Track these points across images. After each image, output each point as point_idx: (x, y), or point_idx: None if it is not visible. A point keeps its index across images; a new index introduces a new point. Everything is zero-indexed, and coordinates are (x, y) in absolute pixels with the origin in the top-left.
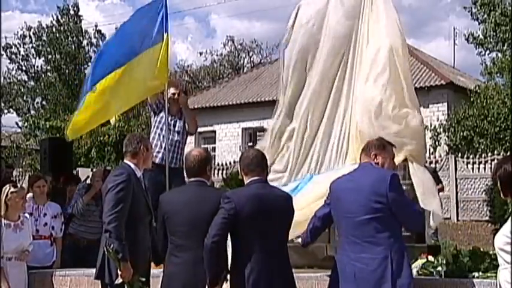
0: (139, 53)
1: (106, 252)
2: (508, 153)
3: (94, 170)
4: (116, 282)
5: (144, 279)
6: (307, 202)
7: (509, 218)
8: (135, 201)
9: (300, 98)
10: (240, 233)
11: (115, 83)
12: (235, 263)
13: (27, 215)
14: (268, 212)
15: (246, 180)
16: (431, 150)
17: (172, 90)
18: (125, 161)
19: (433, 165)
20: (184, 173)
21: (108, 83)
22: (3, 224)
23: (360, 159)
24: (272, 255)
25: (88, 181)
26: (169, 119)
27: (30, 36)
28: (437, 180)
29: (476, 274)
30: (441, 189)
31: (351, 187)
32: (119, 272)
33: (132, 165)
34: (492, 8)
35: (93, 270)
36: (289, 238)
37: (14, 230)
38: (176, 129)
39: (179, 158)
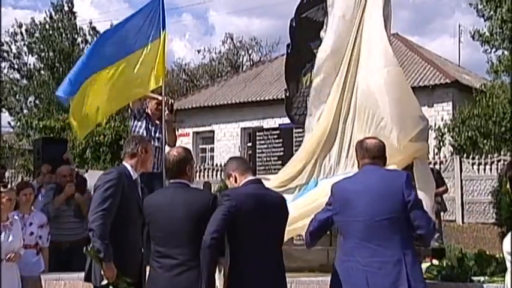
0: (134, 51)
1: (85, 252)
2: None
3: (58, 168)
4: (102, 283)
5: (129, 280)
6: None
7: None
8: (126, 202)
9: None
10: (239, 232)
11: (108, 81)
12: (231, 262)
13: (16, 217)
14: (266, 211)
15: (242, 181)
16: (436, 150)
17: (154, 102)
18: (123, 162)
19: (437, 166)
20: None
21: (101, 79)
22: None
23: (359, 163)
24: (269, 254)
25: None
26: (150, 124)
27: (22, 34)
28: (441, 182)
29: (482, 278)
30: (445, 191)
31: (360, 189)
32: (103, 273)
33: (129, 167)
34: (498, 5)
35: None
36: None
37: (2, 230)
38: (156, 135)
39: (159, 163)
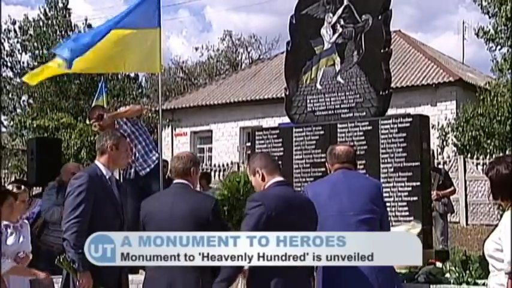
0: (131, 27)
1: (57, 263)
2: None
3: (65, 165)
4: None
5: None
6: None
7: (499, 224)
8: (100, 204)
9: None
10: None
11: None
12: (254, 272)
13: (25, 220)
14: (296, 214)
15: (269, 180)
16: (439, 150)
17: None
18: (95, 160)
19: (440, 167)
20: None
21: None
22: (2, 225)
23: (330, 169)
24: None
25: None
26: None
27: (15, 31)
28: (449, 183)
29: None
30: (452, 192)
31: (334, 188)
32: (78, 284)
33: (100, 165)
34: (503, 1)
35: None
36: None
37: (13, 231)
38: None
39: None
